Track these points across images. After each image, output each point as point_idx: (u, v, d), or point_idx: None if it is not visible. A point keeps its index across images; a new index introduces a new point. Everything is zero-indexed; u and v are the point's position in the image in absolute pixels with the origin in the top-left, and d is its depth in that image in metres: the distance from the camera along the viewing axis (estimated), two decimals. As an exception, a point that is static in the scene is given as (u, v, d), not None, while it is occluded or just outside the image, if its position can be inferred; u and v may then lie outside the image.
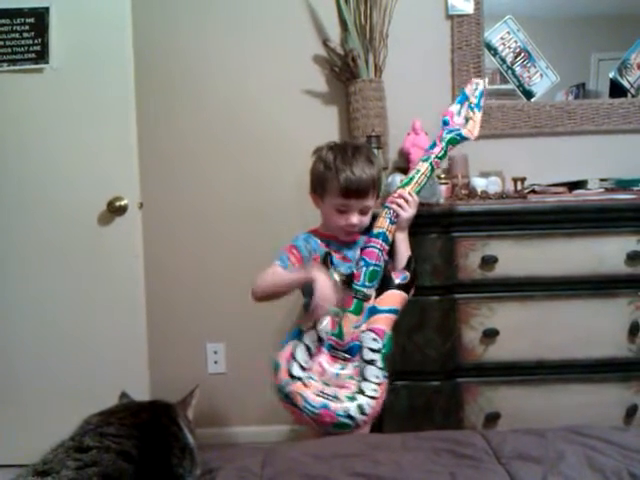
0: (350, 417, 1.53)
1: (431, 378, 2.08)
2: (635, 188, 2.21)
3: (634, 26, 2.62)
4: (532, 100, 2.62)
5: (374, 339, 1.57)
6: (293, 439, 2.47)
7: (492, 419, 2.07)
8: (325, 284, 1.54)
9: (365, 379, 1.56)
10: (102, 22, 2.25)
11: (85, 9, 2.27)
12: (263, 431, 2.52)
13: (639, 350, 2.08)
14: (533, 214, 2.07)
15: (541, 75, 2.61)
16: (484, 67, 2.56)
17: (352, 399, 1.54)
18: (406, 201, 1.68)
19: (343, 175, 1.61)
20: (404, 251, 1.71)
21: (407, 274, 1.65)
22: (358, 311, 1.60)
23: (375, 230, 1.66)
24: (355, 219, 1.64)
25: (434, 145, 1.79)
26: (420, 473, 1.14)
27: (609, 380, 2.09)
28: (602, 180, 2.30)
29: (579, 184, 2.27)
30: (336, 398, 1.54)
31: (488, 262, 2.04)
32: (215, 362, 2.59)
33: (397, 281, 1.63)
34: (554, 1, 2.66)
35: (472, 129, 1.84)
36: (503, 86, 2.67)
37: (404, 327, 2.02)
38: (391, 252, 1.73)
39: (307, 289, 1.62)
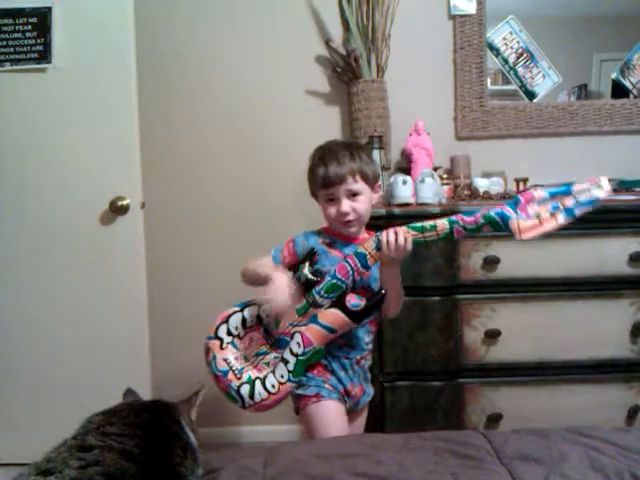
0: (239, 394, 1.58)
1: (433, 378, 2.08)
2: (637, 189, 2.20)
3: (636, 27, 2.62)
4: (534, 101, 2.62)
5: (298, 343, 1.58)
6: (295, 439, 2.47)
7: (494, 420, 2.07)
8: (278, 286, 1.57)
9: (273, 373, 1.59)
10: (105, 22, 2.26)
11: (88, 9, 2.28)
12: (265, 431, 2.52)
13: (641, 351, 2.08)
14: (535, 214, 2.07)
15: (543, 76, 2.61)
16: (486, 67, 2.56)
17: (249, 382, 1.58)
18: (396, 241, 1.50)
19: (318, 168, 1.65)
20: (386, 281, 1.61)
21: (361, 304, 1.57)
22: (302, 312, 1.60)
23: (359, 248, 1.56)
24: (345, 206, 1.62)
25: (471, 214, 1.46)
26: (422, 473, 1.14)
27: (611, 381, 2.09)
28: (604, 181, 2.29)
29: (581, 185, 2.27)
30: (239, 372, 1.59)
31: (490, 263, 2.04)
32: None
33: (347, 304, 1.57)
34: (556, 2, 2.66)
35: (526, 229, 1.39)
36: (505, 87, 2.67)
37: (406, 327, 2.03)
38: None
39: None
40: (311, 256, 1.65)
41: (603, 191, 1.36)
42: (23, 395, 2.39)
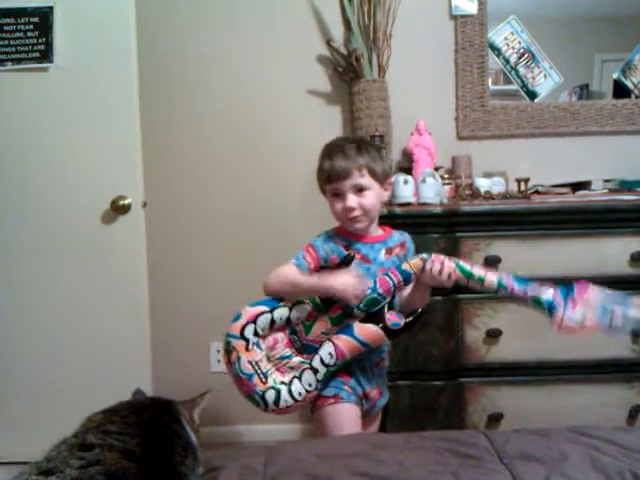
0: (264, 399, 1.54)
1: (434, 378, 2.08)
2: (639, 189, 2.20)
3: (638, 27, 2.62)
4: (535, 101, 2.62)
5: (330, 354, 1.54)
6: (296, 438, 2.47)
7: (495, 419, 2.07)
8: (345, 284, 1.52)
9: (299, 379, 1.55)
10: (106, 22, 2.26)
11: (89, 9, 2.28)
12: (266, 430, 2.52)
13: (642, 351, 2.08)
14: (537, 214, 2.07)
15: (545, 76, 2.61)
16: (487, 67, 2.56)
17: (275, 388, 1.54)
18: (439, 274, 1.50)
19: (324, 162, 1.62)
20: (415, 300, 1.62)
21: (400, 323, 1.54)
22: (336, 322, 1.57)
23: (403, 266, 1.54)
24: (351, 201, 1.58)
25: (523, 283, 1.48)
26: (423, 473, 1.14)
27: (612, 381, 2.09)
28: (606, 181, 2.30)
29: (583, 185, 2.27)
30: (264, 377, 1.55)
31: (491, 262, 2.03)
32: (218, 361, 2.59)
33: (387, 322, 1.54)
34: (558, 2, 2.66)
35: (566, 328, 1.38)
36: (507, 87, 2.67)
37: (407, 327, 2.03)
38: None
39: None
40: (349, 261, 1.60)
41: None
42: (23, 395, 2.39)
